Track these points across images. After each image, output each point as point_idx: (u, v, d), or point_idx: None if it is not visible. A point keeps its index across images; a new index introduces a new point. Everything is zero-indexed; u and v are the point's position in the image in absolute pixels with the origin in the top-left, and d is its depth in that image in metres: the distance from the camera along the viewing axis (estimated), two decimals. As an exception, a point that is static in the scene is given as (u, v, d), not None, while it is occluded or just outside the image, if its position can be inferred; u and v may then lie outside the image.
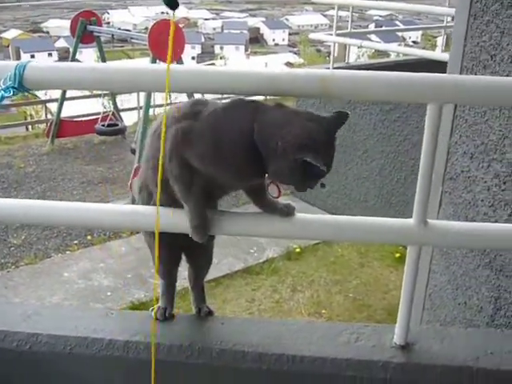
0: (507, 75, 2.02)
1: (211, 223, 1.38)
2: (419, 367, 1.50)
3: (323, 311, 5.15)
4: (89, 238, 6.33)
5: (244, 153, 1.24)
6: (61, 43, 53.62)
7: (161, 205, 1.39)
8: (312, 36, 7.42)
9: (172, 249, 1.52)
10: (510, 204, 1.98)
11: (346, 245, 6.07)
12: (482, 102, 1.58)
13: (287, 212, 1.40)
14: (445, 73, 2.62)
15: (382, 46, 10.07)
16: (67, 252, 6.10)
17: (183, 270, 1.64)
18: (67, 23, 9.98)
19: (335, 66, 6.55)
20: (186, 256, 1.61)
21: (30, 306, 1.74)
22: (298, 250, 6.02)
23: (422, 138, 1.30)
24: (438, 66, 2.89)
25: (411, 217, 1.38)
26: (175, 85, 1.29)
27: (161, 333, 1.54)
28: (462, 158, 2.47)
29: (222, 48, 56.77)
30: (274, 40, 68.20)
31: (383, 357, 1.50)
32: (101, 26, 9.51)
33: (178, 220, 1.38)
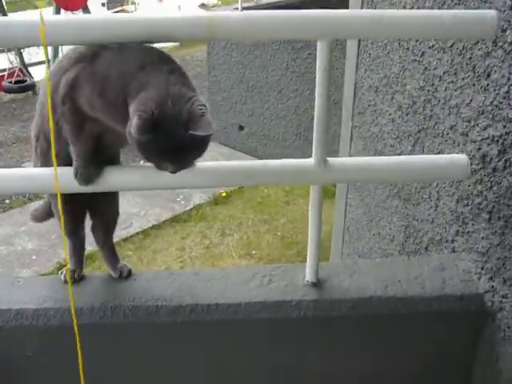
0: (404, 6, 2.03)
1: (103, 174, 1.34)
2: (331, 302, 1.54)
3: (253, 252, 5.21)
4: (7, 201, 6.12)
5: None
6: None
7: (57, 154, 1.33)
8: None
9: (74, 203, 1.46)
10: (412, 135, 2.02)
11: (271, 185, 6.13)
12: (367, 35, 1.58)
13: None
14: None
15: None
16: (-14, 218, 5.89)
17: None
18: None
19: (244, 5, 6.46)
20: (90, 212, 1.56)
21: None
22: (224, 194, 6.03)
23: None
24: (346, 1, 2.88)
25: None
26: (53, 38, 1.21)
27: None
28: (367, 92, 2.49)
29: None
30: (186, -19, 66.29)
31: (296, 296, 1.53)
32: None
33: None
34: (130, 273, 1.61)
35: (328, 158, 1.39)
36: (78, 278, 1.56)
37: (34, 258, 5.17)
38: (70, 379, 1.49)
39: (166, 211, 5.79)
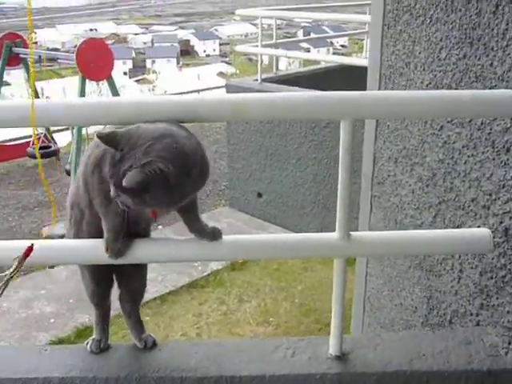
0: (421, 82, 2.09)
1: (132, 247, 1.38)
2: (355, 376, 1.53)
3: (271, 319, 5.17)
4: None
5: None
6: (-14, 66, 52.07)
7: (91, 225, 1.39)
8: (239, 49, 7.48)
9: (103, 273, 1.51)
10: (433, 206, 2.05)
11: (288, 251, 6.12)
12: (389, 116, 1.64)
13: (213, 236, 1.41)
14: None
15: (308, 55, 10.31)
16: (5, 282, 5.92)
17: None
18: (-9, 46, 9.71)
19: (263, 76, 6.62)
20: (118, 282, 1.58)
21: (-41, 350, 1.68)
22: (241, 260, 6.02)
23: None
24: (362, 72, 2.97)
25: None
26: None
27: (97, 365, 1.53)
28: (387, 163, 2.53)
29: (153, 62, 56.36)
30: (205, 51, 68.15)
31: (320, 369, 1.52)
32: (27, 47, 9.30)
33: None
34: (154, 343, 1.62)
35: (351, 232, 1.41)
36: (103, 348, 1.58)
37: (51, 321, 5.18)
38: None
39: (183, 277, 5.79)
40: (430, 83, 2.05)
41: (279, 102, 1.25)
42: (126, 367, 1.52)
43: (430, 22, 1.99)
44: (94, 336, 1.59)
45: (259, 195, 6.79)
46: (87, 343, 1.59)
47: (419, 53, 2.09)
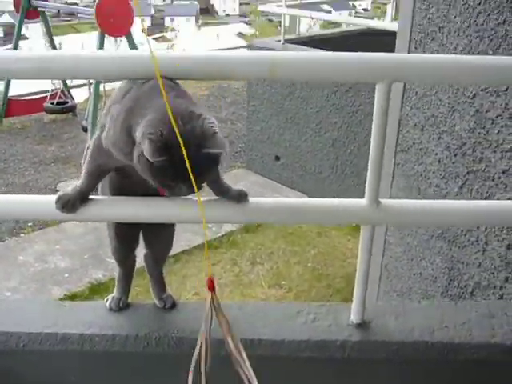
0: (455, 48, 2.02)
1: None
2: (376, 344, 1.52)
3: (283, 282, 5.18)
4: (42, 219, 6.21)
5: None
6: (5, 19, 51.72)
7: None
8: (262, 8, 7.35)
9: (130, 229, 1.49)
10: (460, 176, 2.00)
11: (303, 216, 6.11)
12: (427, 81, 1.58)
13: (239, 199, 1.38)
14: (394, 41, 2.63)
15: (332, 16, 10.14)
16: (21, 235, 5.96)
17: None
18: (10, -3, 9.62)
19: (286, 37, 6.52)
20: (145, 238, 1.56)
21: (-21, 301, 1.69)
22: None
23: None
24: (388, 35, 2.90)
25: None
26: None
27: (116, 323, 1.52)
28: (413, 130, 2.48)
29: (172, 20, 55.76)
30: (224, 11, 67.30)
31: (340, 336, 1.51)
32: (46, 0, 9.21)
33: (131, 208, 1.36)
34: (174, 304, 1.61)
35: (381, 200, 1.38)
36: (122, 306, 1.57)
37: (66, 275, 5.23)
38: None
39: (197, 237, 5.80)
40: (464, 49, 1.98)
41: (317, 61, 1.20)
42: (145, 326, 1.51)
43: (469, -16, 1.92)
44: (114, 294, 1.58)
45: (277, 158, 6.74)
46: (106, 300, 1.58)
47: (454, 17, 2.02)
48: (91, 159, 1.31)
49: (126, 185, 1.37)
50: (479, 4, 1.85)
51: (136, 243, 1.55)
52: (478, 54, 1.88)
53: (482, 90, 1.86)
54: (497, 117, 1.76)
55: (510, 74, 1.28)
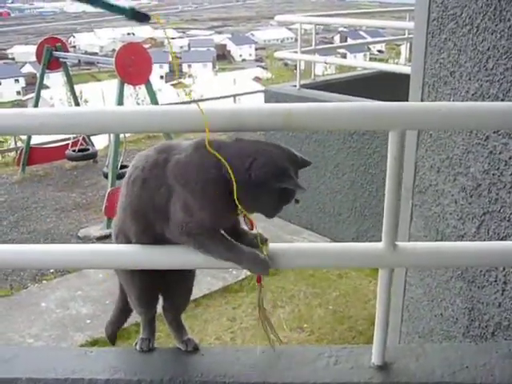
0: (467, 91, 2.07)
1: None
2: (398, 386, 1.52)
3: (305, 325, 5.15)
4: (65, 266, 6.27)
5: (219, 192, 1.28)
6: (27, 69, 53.15)
7: None
8: (277, 54, 7.49)
9: (150, 285, 1.53)
10: (477, 217, 2.03)
11: (323, 258, 6.10)
12: (438, 128, 1.63)
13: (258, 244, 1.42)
14: (407, 84, 2.69)
15: (346, 61, 10.28)
16: (43, 281, 6.02)
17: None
18: (33, 49, 9.92)
19: (302, 82, 6.63)
20: (164, 293, 1.60)
21: (7, 349, 1.73)
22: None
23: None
24: (401, 78, 2.96)
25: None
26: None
27: (141, 368, 1.55)
28: (429, 172, 2.52)
29: (189, 66, 56.81)
30: (241, 56, 68.43)
31: (362, 378, 1.52)
32: (67, 50, 9.47)
33: (157, 256, 1.41)
34: (196, 347, 1.63)
35: (397, 243, 1.41)
36: (152, 347, 1.60)
37: (88, 322, 5.25)
38: None
39: (218, 281, 5.82)
40: (475, 93, 2.03)
41: (331, 111, 1.26)
42: (169, 370, 1.54)
43: (477, 31, 1.98)
44: (141, 335, 1.61)
45: (296, 201, 6.76)
46: (136, 344, 1.61)
47: (465, 62, 2.07)
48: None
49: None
50: (488, 49, 1.91)
51: (158, 294, 1.59)
52: (488, 97, 1.92)
53: (494, 133, 1.90)
54: (510, 158, 1.80)
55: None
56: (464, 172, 2.14)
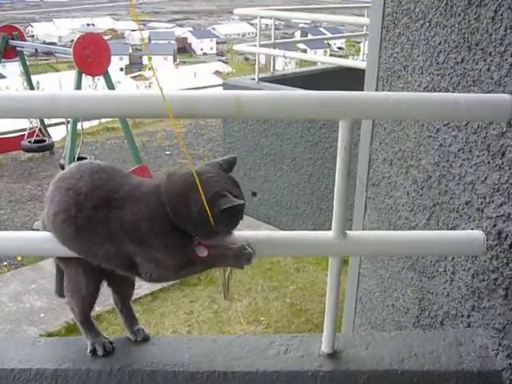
0: (419, 85, 2.10)
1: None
2: (347, 374, 1.54)
3: (262, 318, 5.18)
4: (19, 258, 6.15)
5: (175, 235, 1.31)
6: (-18, 58, 51.89)
7: None
8: (237, 47, 7.49)
9: (93, 276, 1.50)
10: (427, 208, 2.06)
11: (281, 251, 6.13)
12: (386, 118, 1.64)
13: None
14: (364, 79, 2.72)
15: (305, 56, 10.35)
16: (-4, 275, 5.91)
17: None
18: (-12, 38, 9.67)
19: (261, 76, 6.64)
20: (108, 282, 1.57)
21: (-48, 339, 1.68)
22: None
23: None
24: (359, 74, 2.99)
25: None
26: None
27: (90, 358, 1.53)
28: (382, 165, 2.55)
29: (150, 58, 56.23)
30: (202, 49, 68.11)
31: (312, 366, 1.54)
32: (24, 39, 9.26)
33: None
34: (146, 337, 1.62)
35: (347, 232, 1.43)
36: (112, 347, 1.56)
37: (42, 315, 5.17)
38: None
39: (175, 274, 5.79)
40: (427, 86, 2.06)
41: (281, 100, 1.26)
42: (119, 360, 1.53)
43: (429, 25, 2.01)
44: (91, 340, 1.55)
45: (253, 194, 6.80)
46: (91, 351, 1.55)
47: (417, 56, 2.10)
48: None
49: None
50: (439, 44, 1.94)
51: (99, 288, 1.55)
52: (439, 90, 1.96)
53: (444, 125, 1.93)
54: (459, 150, 1.84)
55: (468, 110, 1.36)
56: (416, 164, 2.18)
